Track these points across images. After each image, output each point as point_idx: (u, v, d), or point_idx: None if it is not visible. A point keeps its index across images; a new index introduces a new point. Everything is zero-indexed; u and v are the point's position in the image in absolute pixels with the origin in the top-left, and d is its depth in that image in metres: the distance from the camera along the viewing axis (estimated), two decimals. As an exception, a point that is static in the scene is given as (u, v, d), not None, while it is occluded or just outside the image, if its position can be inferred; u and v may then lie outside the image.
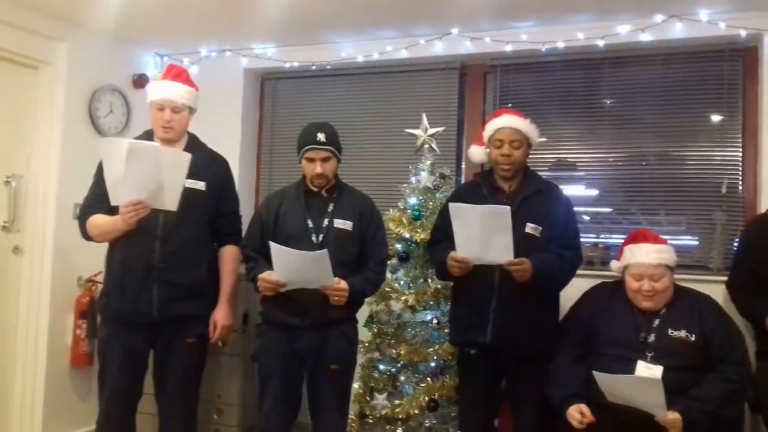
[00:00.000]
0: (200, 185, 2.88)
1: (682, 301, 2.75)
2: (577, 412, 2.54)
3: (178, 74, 2.94)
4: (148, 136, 2.94)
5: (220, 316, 2.95)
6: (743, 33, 3.29)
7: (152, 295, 2.79)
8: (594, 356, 2.74)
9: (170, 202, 2.66)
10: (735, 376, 2.57)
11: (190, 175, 2.74)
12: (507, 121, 2.86)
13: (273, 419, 2.81)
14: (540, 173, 3.05)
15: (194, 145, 2.97)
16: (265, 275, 2.70)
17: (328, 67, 4.10)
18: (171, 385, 2.90)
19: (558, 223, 2.81)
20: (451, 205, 2.71)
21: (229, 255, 3.01)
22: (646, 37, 3.43)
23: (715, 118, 3.52)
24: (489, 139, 2.90)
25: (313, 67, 4.12)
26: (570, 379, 2.69)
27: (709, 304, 2.76)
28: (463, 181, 3.97)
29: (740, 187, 3.43)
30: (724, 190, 3.44)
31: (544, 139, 3.74)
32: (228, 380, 3.44)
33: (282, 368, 2.79)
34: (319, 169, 2.78)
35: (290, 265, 2.64)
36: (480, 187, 2.92)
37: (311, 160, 2.80)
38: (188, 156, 2.66)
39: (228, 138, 4.18)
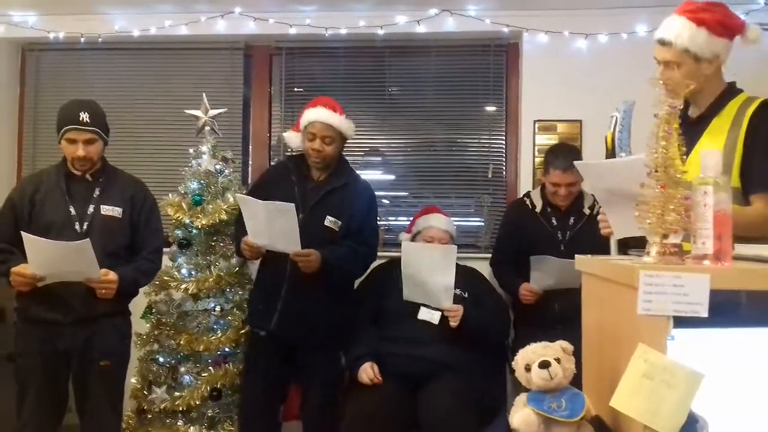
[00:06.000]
0: (-66, 169, 2.53)
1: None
2: (369, 368, 2.72)
3: None
4: None
5: (-33, 315, 2.63)
6: (506, 30, 3.58)
7: None
8: (383, 322, 2.95)
9: None
10: (500, 304, 3.10)
11: None
12: (320, 115, 2.81)
13: (34, 425, 2.58)
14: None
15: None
16: (19, 269, 2.45)
17: (100, 40, 3.77)
18: None
19: (356, 219, 2.85)
20: (237, 196, 2.73)
21: (-25, 248, 2.67)
22: (421, 28, 3.60)
23: (486, 108, 3.81)
24: (304, 128, 2.85)
25: (83, 40, 3.78)
26: (364, 339, 2.85)
27: (475, 271, 3.21)
28: (249, 164, 3.92)
29: (504, 172, 3.76)
30: (490, 175, 3.74)
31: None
32: (-19, 386, 3.07)
33: (43, 369, 2.56)
34: (81, 152, 2.57)
35: (47, 257, 2.42)
36: (290, 173, 2.89)
37: (72, 141, 2.58)
38: None
39: (-19, 115, 3.73)
